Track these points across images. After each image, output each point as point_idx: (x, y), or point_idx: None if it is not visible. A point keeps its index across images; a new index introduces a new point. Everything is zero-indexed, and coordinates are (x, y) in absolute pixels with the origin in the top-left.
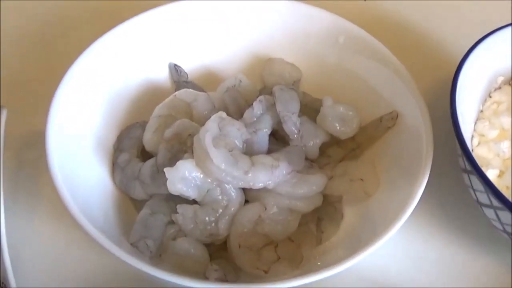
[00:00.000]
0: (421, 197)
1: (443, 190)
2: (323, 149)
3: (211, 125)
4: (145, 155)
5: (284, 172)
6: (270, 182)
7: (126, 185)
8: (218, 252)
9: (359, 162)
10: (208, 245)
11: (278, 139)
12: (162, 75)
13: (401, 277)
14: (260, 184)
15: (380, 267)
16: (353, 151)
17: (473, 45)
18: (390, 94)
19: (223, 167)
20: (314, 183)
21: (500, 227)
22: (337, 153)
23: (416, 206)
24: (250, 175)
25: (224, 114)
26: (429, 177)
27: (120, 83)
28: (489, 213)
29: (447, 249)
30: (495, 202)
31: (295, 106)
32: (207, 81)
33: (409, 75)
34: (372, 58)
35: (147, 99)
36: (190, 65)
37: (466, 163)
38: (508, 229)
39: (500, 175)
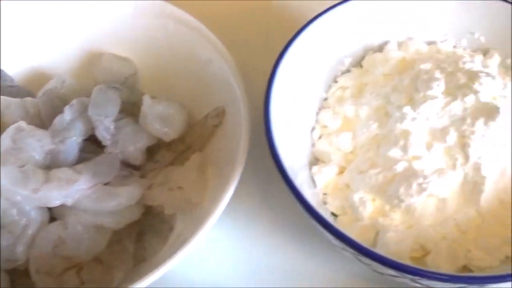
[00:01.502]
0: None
1: (273, 194)
2: (153, 153)
3: (2, 138)
4: None
5: (84, 186)
6: (67, 198)
7: None
8: (23, 279)
9: (184, 167)
10: (14, 271)
11: (100, 145)
12: None
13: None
14: (56, 202)
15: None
16: (183, 154)
17: (305, 24)
18: (219, 87)
19: (7, 186)
20: (124, 195)
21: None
22: (166, 157)
23: (243, 210)
24: (40, 193)
25: (23, 124)
26: (258, 179)
27: None
28: (311, 222)
29: (272, 253)
30: (306, 214)
31: (111, 108)
32: (39, 85)
33: (234, 63)
34: (200, 46)
35: None
36: (18, 68)
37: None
38: (333, 241)
39: (341, 172)
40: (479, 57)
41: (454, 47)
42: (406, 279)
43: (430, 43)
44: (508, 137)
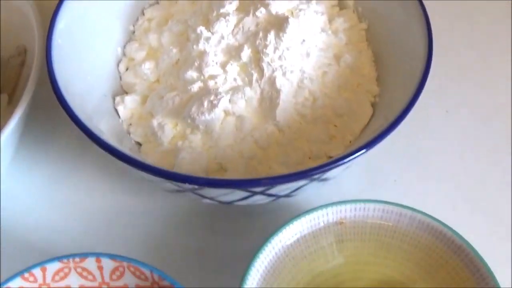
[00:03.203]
0: None
1: None
2: None
3: None
4: None
5: None
6: None
7: None
8: None
9: None
10: None
11: None
12: None
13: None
14: None
15: None
16: None
17: None
18: (21, 25)
19: None
20: None
21: None
22: None
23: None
24: None
25: None
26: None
27: None
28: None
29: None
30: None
31: None
32: None
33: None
34: None
35: None
36: None
37: None
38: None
39: (143, 101)
40: None
41: None
42: (187, 192)
43: None
44: (305, 49)
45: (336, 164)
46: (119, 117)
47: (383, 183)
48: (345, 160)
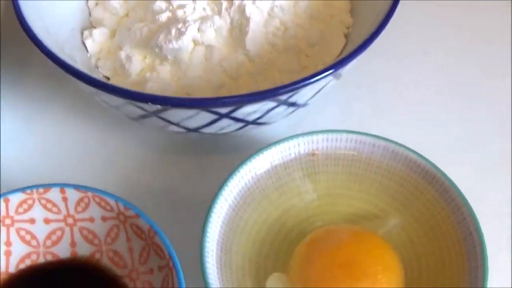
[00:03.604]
0: None
1: None
2: None
3: None
4: None
5: None
6: None
7: None
8: None
9: None
10: None
11: None
12: None
13: None
14: None
15: None
16: None
17: None
18: None
19: None
20: None
21: None
22: None
23: None
24: None
25: None
26: None
27: None
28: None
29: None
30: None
31: None
32: None
33: None
34: None
35: None
36: None
37: None
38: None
39: (112, 35)
40: None
41: None
42: (152, 118)
43: None
44: None
45: (301, 84)
46: (88, 51)
47: (357, 117)
48: (311, 80)
